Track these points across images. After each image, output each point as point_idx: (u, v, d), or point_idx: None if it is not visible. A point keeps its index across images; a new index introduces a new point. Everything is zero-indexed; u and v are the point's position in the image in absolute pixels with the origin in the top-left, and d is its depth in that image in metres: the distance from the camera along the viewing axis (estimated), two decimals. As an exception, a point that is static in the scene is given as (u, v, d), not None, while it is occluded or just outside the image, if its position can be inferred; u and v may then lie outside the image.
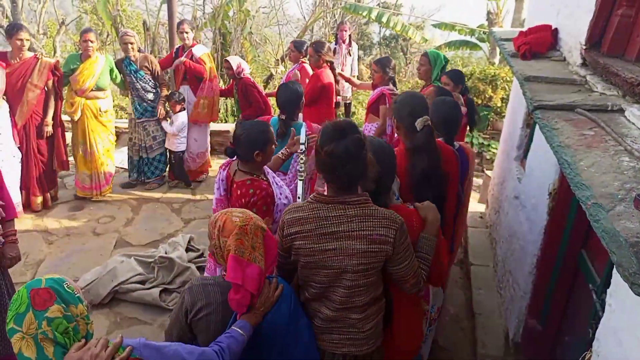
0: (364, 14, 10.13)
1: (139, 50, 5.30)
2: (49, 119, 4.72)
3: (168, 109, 5.44)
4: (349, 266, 1.84)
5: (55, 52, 10.36)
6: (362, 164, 1.82)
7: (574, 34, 2.64)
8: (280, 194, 2.60)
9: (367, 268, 1.86)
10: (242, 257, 1.77)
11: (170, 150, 5.53)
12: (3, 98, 4.43)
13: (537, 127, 3.19)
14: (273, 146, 2.59)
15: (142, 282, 3.72)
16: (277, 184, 2.65)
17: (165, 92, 5.33)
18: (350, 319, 1.93)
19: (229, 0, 9.34)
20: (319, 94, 4.71)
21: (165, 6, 7.55)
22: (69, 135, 5.29)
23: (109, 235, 4.57)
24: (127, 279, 3.68)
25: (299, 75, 5.20)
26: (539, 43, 2.95)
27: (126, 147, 5.63)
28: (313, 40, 5.36)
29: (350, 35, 7.03)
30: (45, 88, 4.66)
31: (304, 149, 2.86)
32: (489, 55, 10.66)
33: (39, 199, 4.90)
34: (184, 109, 5.37)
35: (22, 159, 4.67)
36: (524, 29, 3.33)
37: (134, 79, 5.16)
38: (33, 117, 4.64)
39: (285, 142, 3.08)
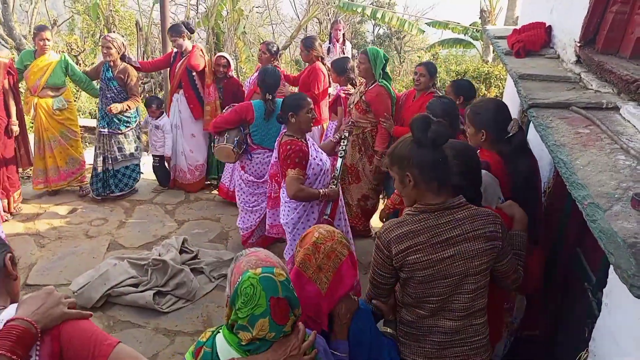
0: (359, 10, 10.12)
1: (122, 58, 4.97)
2: (14, 118, 4.65)
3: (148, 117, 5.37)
4: (471, 269, 1.79)
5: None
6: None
7: (568, 31, 2.62)
8: (316, 156, 3.14)
9: (487, 267, 1.82)
10: (305, 272, 1.72)
11: (153, 155, 5.44)
12: None
13: (530, 125, 3.18)
14: (308, 114, 3.08)
15: (136, 285, 3.68)
16: (316, 150, 3.20)
17: (135, 102, 5.09)
18: (474, 325, 1.86)
19: (222, 0, 9.29)
20: (315, 82, 4.82)
21: (158, 6, 7.49)
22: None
23: (102, 238, 4.52)
24: (120, 282, 3.63)
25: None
26: (533, 41, 2.93)
27: None
28: (303, 37, 5.37)
29: (344, 34, 7.02)
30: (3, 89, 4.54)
31: (347, 135, 3.51)
32: (482, 54, 10.66)
33: (4, 202, 4.75)
34: (163, 113, 5.30)
35: None
36: (518, 27, 3.32)
37: (105, 86, 4.97)
38: None
39: (273, 121, 3.79)
